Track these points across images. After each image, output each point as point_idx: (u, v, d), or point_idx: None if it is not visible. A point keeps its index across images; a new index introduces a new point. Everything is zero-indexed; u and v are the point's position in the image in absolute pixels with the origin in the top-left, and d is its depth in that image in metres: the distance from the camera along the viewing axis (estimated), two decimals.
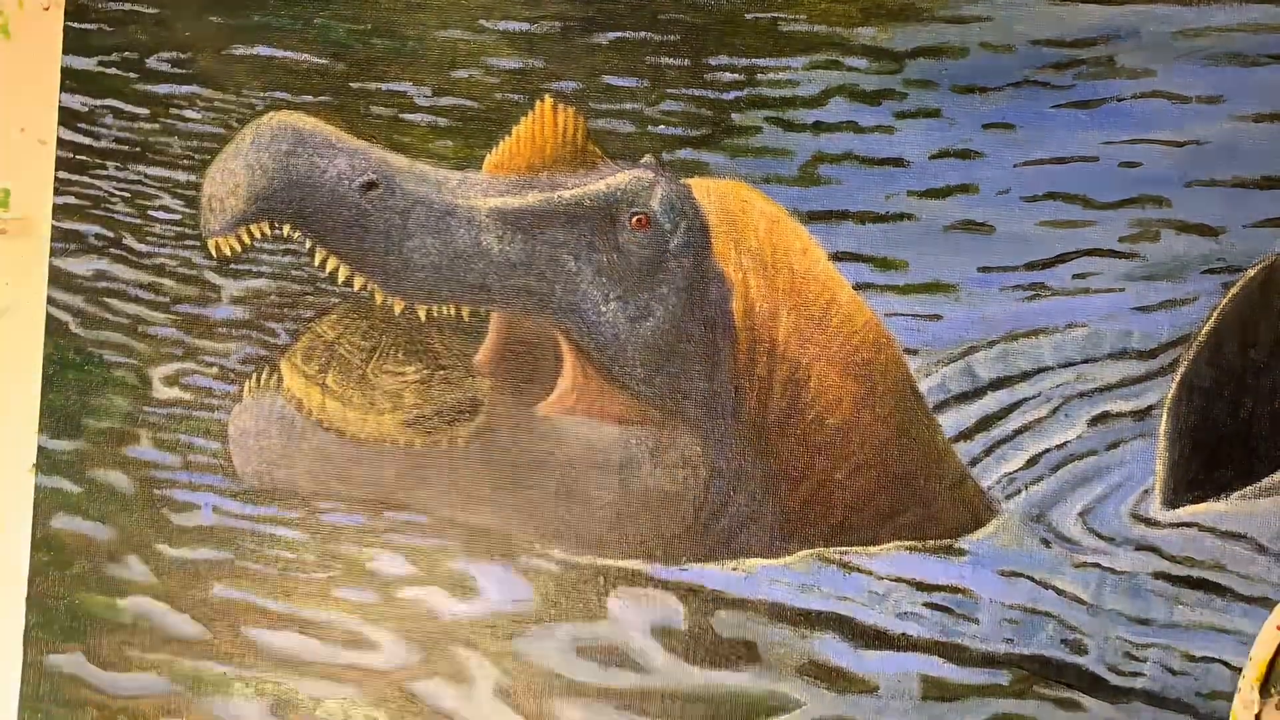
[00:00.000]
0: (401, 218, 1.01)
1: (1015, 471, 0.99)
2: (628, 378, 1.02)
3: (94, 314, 1.07)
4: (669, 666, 1.01)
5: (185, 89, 1.06)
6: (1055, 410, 0.99)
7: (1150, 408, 0.98)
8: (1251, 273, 0.97)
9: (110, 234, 1.07)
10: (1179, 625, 0.97)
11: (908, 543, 1.00)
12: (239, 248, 1.04)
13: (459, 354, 1.05)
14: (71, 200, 1.07)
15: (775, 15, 1.01)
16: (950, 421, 1.00)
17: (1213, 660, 0.96)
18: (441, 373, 1.05)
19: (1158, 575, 0.97)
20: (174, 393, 1.07)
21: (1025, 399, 0.99)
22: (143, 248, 1.07)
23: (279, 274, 1.06)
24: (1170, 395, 0.97)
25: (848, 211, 1.00)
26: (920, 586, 1.00)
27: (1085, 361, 0.99)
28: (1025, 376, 0.99)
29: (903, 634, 0.99)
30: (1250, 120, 0.96)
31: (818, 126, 1.00)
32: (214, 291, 1.06)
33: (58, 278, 1.07)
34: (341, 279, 1.03)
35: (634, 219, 1.01)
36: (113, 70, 1.07)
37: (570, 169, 1.02)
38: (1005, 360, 0.99)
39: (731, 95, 1.01)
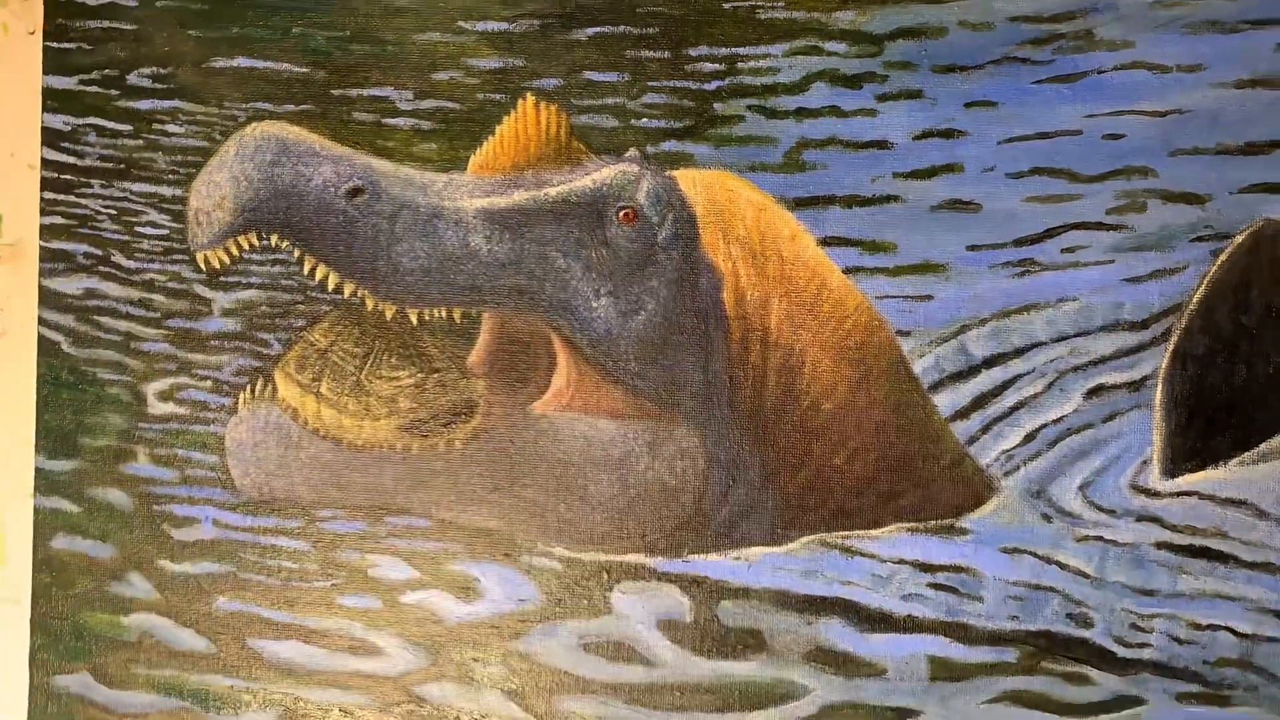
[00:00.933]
0: (389, 222, 1.01)
1: (1013, 448, 0.99)
2: (622, 372, 1.02)
3: (85, 333, 1.07)
4: (676, 659, 1.01)
5: (167, 104, 1.06)
6: (1050, 385, 0.99)
7: (1145, 378, 0.98)
8: (1239, 239, 0.97)
9: (99, 252, 1.07)
10: (1184, 594, 0.97)
11: (909, 524, 1.00)
12: (228, 260, 1.04)
13: (452, 356, 1.05)
14: (58, 220, 1.07)
15: (753, 3, 1.01)
16: (946, 401, 1.00)
17: (1219, 628, 0.96)
18: (436, 376, 1.05)
19: (1160, 545, 0.97)
20: (169, 408, 1.07)
21: (1020, 375, 0.99)
22: (131, 264, 1.07)
23: (269, 284, 1.06)
24: (1164, 365, 0.97)
25: (834, 196, 1.00)
26: (923, 567, 1.00)
27: (1078, 335, 0.99)
28: (1019, 353, 0.99)
29: (908, 616, 0.99)
30: (1231, 87, 0.96)
31: (800, 112, 1.00)
32: (205, 305, 1.06)
33: (48, 298, 1.07)
34: (331, 286, 1.03)
35: (621, 213, 1.01)
36: (94, 88, 1.07)
37: (555, 166, 1.02)
38: (998, 337, 0.99)
39: (713, 85, 1.01)
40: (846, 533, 1.01)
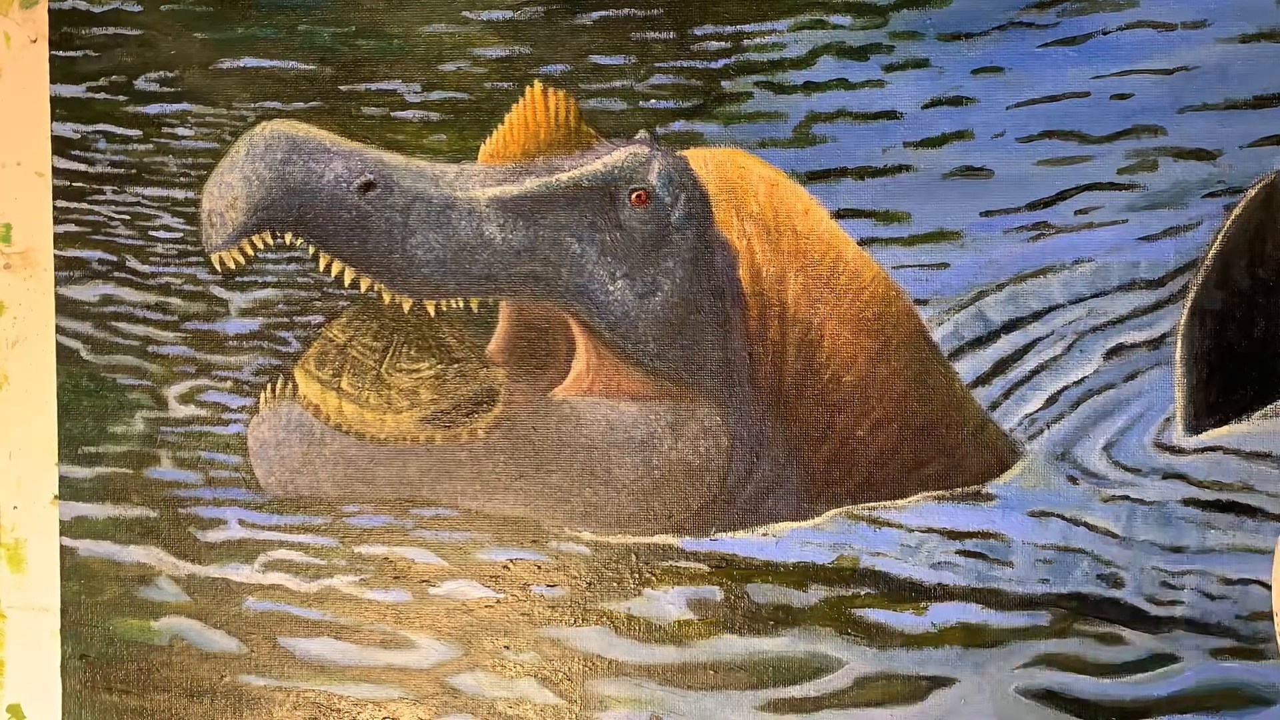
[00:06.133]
0: (402, 215, 1.01)
1: (1036, 411, 0.99)
2: (641, 354, 1.02)
3: (104, 339, 1.07)
4: (708, 637, 1.01)
5: (175, 107, 1.06)
6: (1070, 347, 0.99)
7: (1164, 336, 0.98)
8: (1252, 193, 0.97)
9: (113, 258, 1.07)
10: (1213, 550, 0.97)
11: (935, 493, 1.00)
12: (243, 260, 1.04)
13: (471, 346, 1.05)
14: (72, 228, 1.08)
15: None
16: (967, 368, 1.00)
17: (1250, 582, 0.96)
18: (456, 366, 1.05)
19: (1187, 502, 0.97)
20: (190, 410, 1.07)
21: (1039, 338, 1.00)
22: (147, 269, 1.07)
23: (285, 282, 1.06)
24: (1182, 321, 0.98)
25: (846, 168, 1.00)
26: (951, 535, 1.00)
27: (1095, 296, 0.99)
28: (1037, 316, 0.99)
29: (939, 584, 0.99)
30: (1237, 42, 0.97)
31: (808, 87, 1.01)
32: (221, 306, 1.06)
33: (64, 306, 1.07)
34: (348, 281, 1.03)
35: (633, 195, 1.01)
36: (102, 95, 1.07)
37: (566, 151, 1.03)
38: (1016, 302, 0.99)
39: (720, 63, 1.02)
40: (873, 504, 1.01)
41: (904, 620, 0.99)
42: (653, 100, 1.02)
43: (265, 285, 1.06)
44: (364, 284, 1.02)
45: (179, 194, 1.07)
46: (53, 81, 1.07)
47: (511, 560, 1.03)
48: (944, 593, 0.99)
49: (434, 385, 1.04)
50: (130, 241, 1.07)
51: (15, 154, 1.08)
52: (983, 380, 1.00)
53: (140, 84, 1.07)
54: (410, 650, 1.05)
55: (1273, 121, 0.96)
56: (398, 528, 1.04)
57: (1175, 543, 0.97)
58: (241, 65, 1.06)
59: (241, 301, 1.06)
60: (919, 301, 1.00)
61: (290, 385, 1.05)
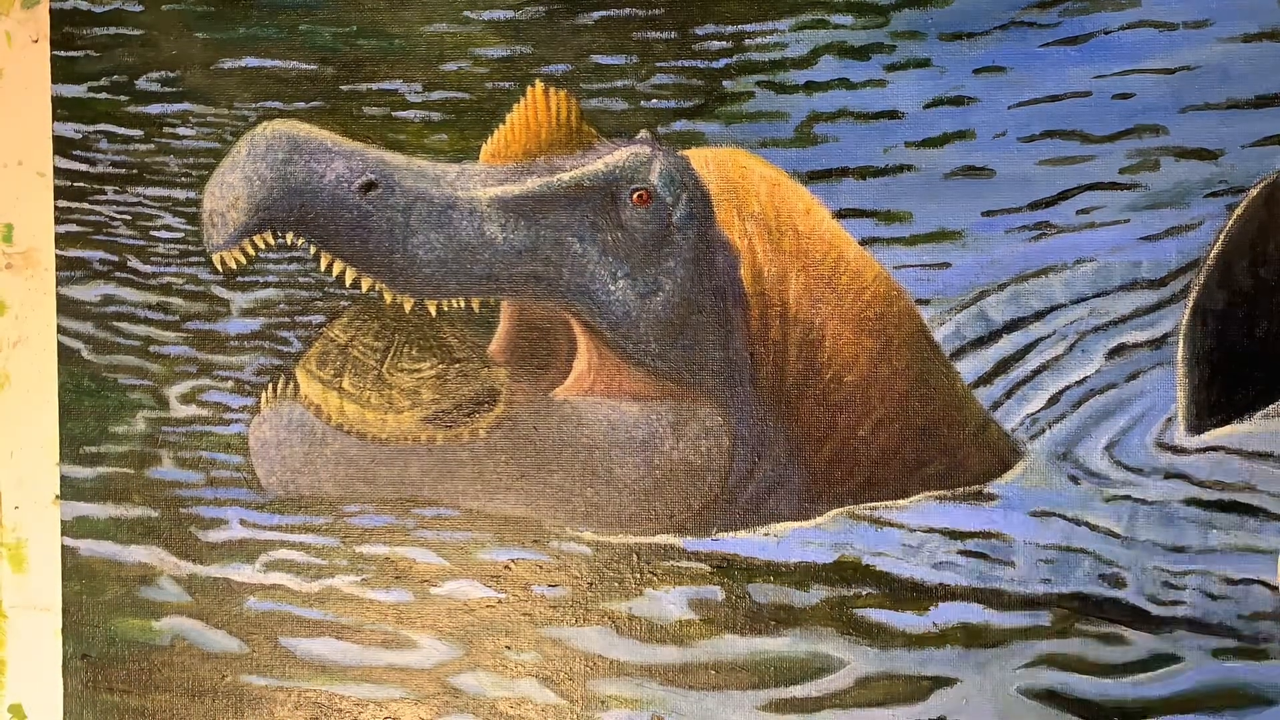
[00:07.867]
0: (403, 215, 1.01)
1: (1037, 411, 0.99)
2: (642, 354, 1.02)
3: (105, 339, 1.07)
4: (709, 637, 1.01)
5: (177, 107, 1.07)
6: (1072, 346, 0.99)
7: (1166, 335, 0.98)
8: (1254, 192, 0.97)
9: (114, 258, 1.07)
10: (1215, 550, 0.97)
11: (936, 493, 1.00)
12: (244, 260, 1.04)
13: (473, 346, 1.05)
14: (73, 228, 1.08)
15: None
16: (968, 368, 1.00)
17: (1252, 581, 0.96)
18: (457, 366, 1.05)
19: (1189, 502, 0.97)
20: (191, 410, 1.07)
21: (1041, 338, 0.99)
22: (148, 269, 1.07)
23: (286, 282, 1.06)
24: (1184, 321, 0.98)
25: (847, 168, 1.00)
26: (953, 535, 1.00)
27: (1097, 295, 0.99)
28: (1039, 316, 0.99)
29: (940, 584, 0.99)
30: (1239, 41, 0.97)
31: (810, 86, 1.01)
32: (223, 306, 1.06)
33: (66, 306, 1.07)
34: (349, 281, 1.03)
35: (635, 195, 1.01)
36: (103, 95, 1.07)
37: (567, 151, 1.03)
38: (1017, 301, 0.99)
39: (721, 63, 1.02)
40: (874, 504, 1.01)
41: (905, 620, 0.99)
42: (654, 100, 1.02)
43: (266, 285, 1.06)
44: (365, 284, 1.02)
45: (180, 194, 1.07)
46: (54, 81, 1.07)
47: (513, 560, 1.03)
48: (946, 593, 0.99)
49: (435, 385, 1.04)
50: (132, 241, 1.07)
51: (17, 154, 1.08)
52: (984, 380, 1.00)
53: (142, 84, 1.07)
54: (412, 650, 1.05)
55: (1274, 121, 0.96)
56: (399, 527, 1.04)
57: (1177, 542, 0.97)
58: (243, 65, 1.06)
59: (243, 301, 1.06)
60: (920, 301, 1.00)
61: (292, 385, 1.05)
